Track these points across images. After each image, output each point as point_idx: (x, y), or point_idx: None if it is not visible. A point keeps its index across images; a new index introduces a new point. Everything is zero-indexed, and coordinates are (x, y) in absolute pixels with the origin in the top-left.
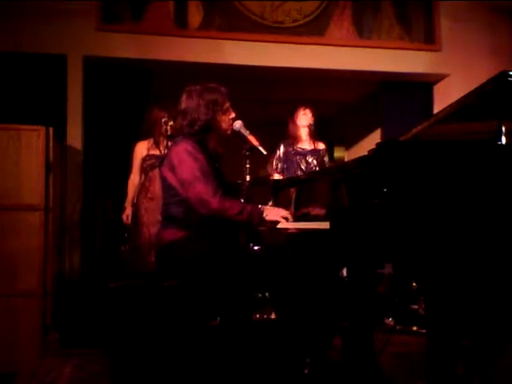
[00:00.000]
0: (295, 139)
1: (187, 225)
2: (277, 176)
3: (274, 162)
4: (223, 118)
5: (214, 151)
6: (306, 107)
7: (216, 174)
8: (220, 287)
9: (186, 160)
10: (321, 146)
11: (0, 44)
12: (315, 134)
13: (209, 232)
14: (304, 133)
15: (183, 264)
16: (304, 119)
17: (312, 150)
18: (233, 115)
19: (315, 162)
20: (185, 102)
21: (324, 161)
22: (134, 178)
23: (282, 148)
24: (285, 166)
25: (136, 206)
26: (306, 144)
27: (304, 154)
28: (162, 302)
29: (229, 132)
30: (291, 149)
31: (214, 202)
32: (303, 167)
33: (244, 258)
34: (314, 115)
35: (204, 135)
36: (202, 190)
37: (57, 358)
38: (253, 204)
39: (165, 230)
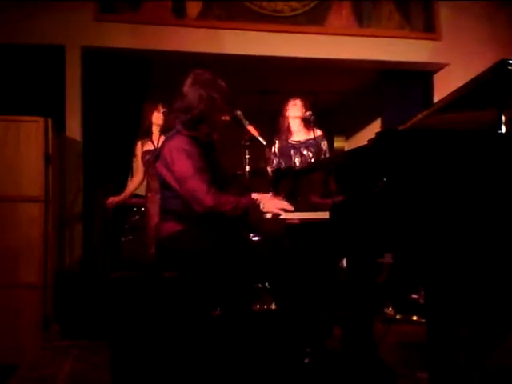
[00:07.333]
0: (287, 133)
1: (185, 218)
2: None
3: (270, 158)
4: (217, 116)
5: (207, 140)
6: (296, 98)
7: (211, 167)
8: (220, 278)
9: (179, 157)
10: (318, 132)
11: None
12: (314, 123)
13: (208, 224)
14: (295, 124)
15: (183, 255)
16: (293, 110)
17: (306, 140)
18: (226, 118)
19: (310, 153)
20: (187, 87)
21: (321, 148)
22: (136, 176)
23: (277, 143)
24: (281, 161)
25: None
26: (299, 136)
27: (298, 146)
28: (161, 292)
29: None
30: (286, 143)
31: (208, 200)
32: (297, 161)
33: (243, 249)
34: (306, 106)
35: (195, 126)
36: (196, 188)
37: (58, 349)
38: (248, 196)
39: (163, 223)
